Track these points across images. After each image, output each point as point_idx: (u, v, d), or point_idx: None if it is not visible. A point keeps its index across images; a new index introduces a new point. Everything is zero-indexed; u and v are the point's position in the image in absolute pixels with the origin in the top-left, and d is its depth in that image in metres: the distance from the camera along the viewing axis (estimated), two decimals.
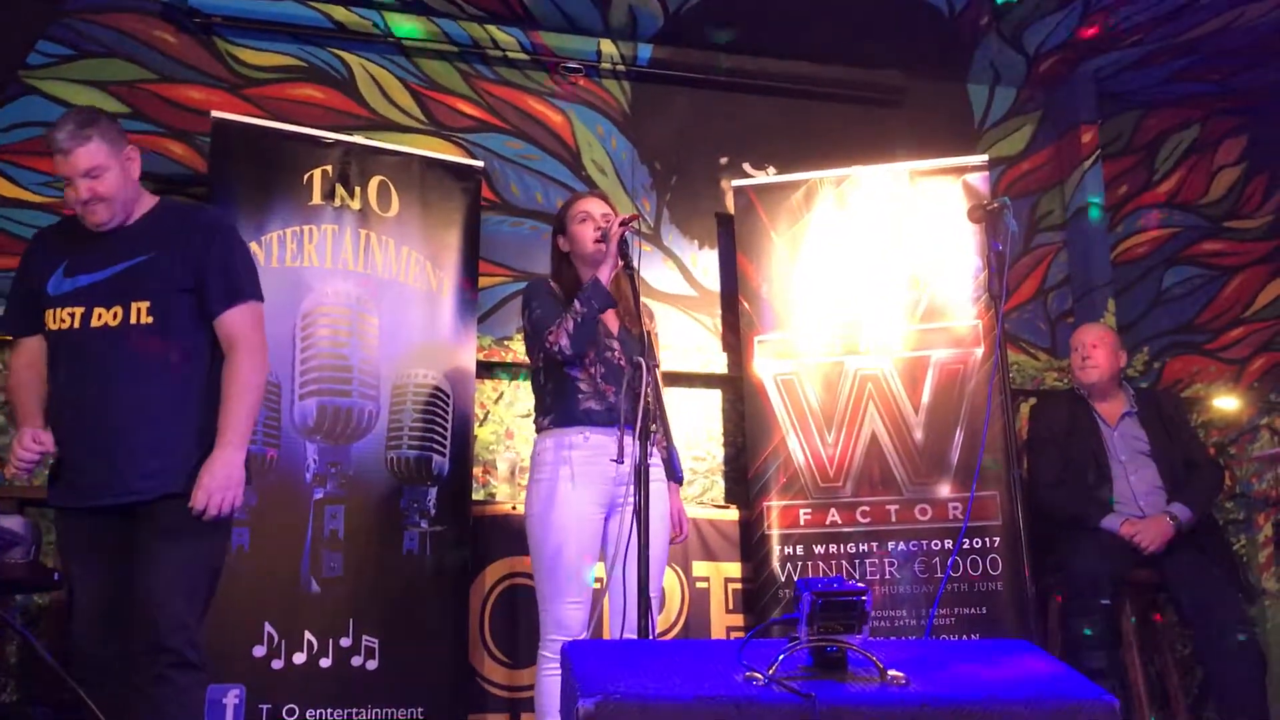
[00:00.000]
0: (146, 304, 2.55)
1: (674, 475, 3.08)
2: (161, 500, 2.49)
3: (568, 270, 3.09)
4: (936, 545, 3.84)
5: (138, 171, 2.64)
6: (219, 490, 2.47)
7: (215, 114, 3.78)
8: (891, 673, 1.72)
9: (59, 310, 2.58)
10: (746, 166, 4.73)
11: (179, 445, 2.53)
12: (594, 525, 2.93)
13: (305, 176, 3.78)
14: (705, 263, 4.66)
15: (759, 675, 1.69)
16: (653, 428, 2.62)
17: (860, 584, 1.70)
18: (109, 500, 2.51)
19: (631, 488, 2.82)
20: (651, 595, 2.54)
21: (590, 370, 2.96)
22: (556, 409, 2.99)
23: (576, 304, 2.88)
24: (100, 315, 2.55)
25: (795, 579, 3.86)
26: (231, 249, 2.67)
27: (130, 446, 2.50)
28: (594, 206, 3.06)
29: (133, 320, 2.54)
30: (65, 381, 2.57)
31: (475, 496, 3.97)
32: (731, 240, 4.40)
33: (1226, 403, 4.75)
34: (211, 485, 2.47)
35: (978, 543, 3.84)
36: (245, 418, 2.56)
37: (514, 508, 3.85)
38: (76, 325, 2.56)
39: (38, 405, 2.59)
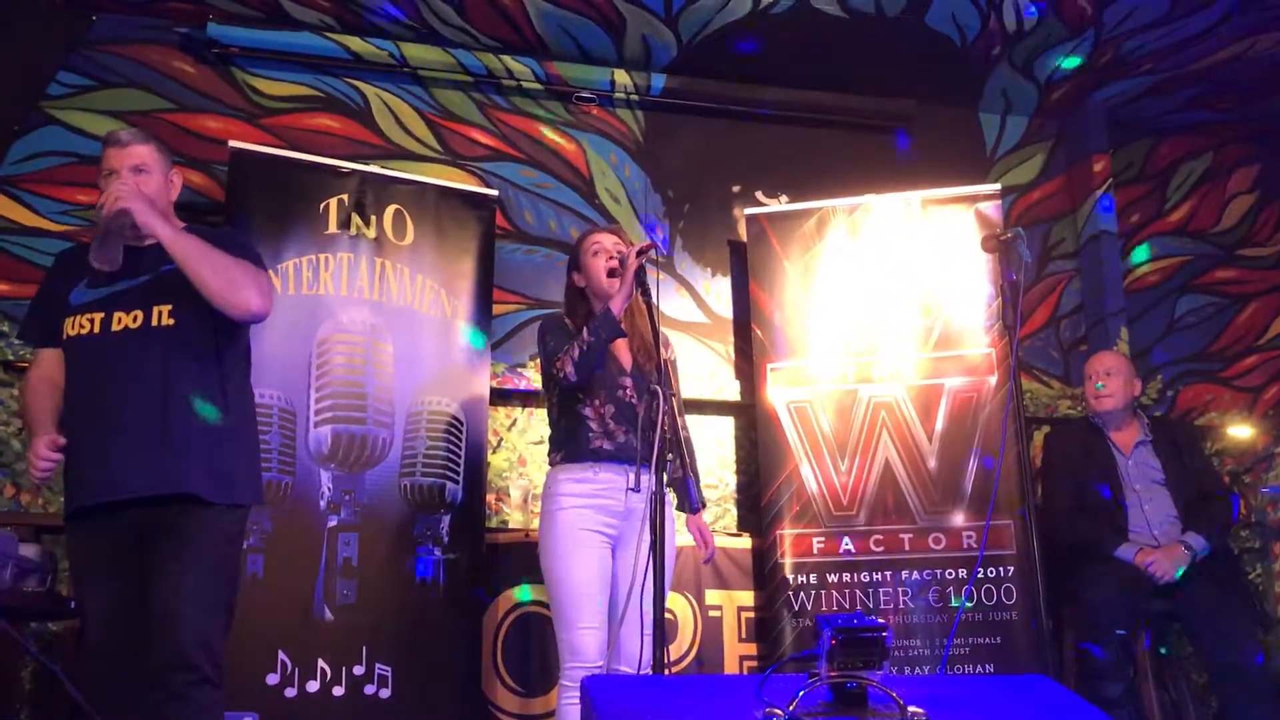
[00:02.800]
0: (169, 306, 2.55)
1: (690, 505, 3.10)
2: (179, 508, 2.44)
3: (582, 305, 3.13)
4: (950, 574, 3.83)
5: (176, 193, 2.75)
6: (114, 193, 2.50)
7: (233, 143, 3.82)
8: (911, 709, 1.72)
9: (79, 317, 2.57)
10: (759, 194, 4.75)
11: (198, 446, 2.49)
12: (601, 555, 2.95)
13: (321, 205, 3.82)
14: (718, 290, 4.67)
15: (779, 711, 1.69)
16: (670, 457, 2.62)
17: (880, 620, 1.69)
18: (125, 494, 2.43)
19: (640, 522, 2.84)
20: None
21: (601, 410, 3.00)
22: (568, 445, 3.03)
23: (585, 332, 2.93)
24: (120, 319, 2.55)
25: (808, 608, 3.85)
26: (237, 242, 2.70)
27: (149, 443, 2.45)
28: (606, 239, 3.10)
29: (154, 322, 2.54)
30: (84, 386, 2.54)
31: (488, 524, 3.98)
32: (744, 268, 4.41)
33: (1241, 431, 4.73)
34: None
35: (992, 572, 3.82)
36: (193, 244, 2.54)
37: (527, 535, 3.85)
38: (96, 330, 2.54)
39: (51, 417, 2.56)
